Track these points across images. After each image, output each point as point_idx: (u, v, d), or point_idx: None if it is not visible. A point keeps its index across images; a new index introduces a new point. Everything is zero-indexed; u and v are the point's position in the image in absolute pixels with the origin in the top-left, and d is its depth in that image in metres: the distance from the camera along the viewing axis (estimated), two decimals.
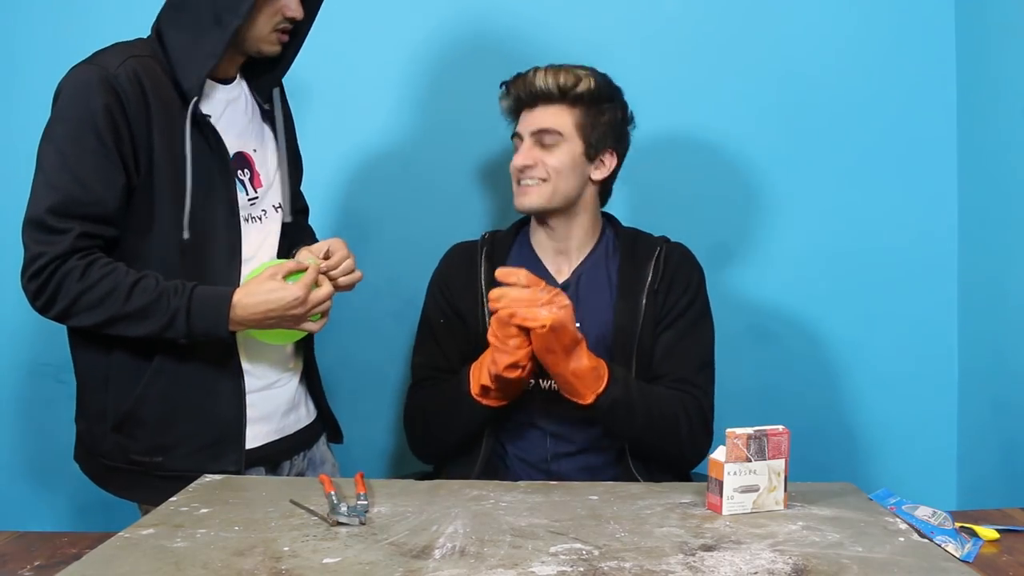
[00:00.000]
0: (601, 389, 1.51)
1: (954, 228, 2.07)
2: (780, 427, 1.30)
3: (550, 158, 1.62)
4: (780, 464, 1.29)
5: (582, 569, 1.08)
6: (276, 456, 1.58)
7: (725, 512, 1.27)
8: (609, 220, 1.74)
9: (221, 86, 1.52)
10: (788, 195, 2.07)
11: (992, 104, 1.94)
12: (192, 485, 1.40)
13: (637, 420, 1.53)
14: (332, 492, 1.29)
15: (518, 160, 1.64)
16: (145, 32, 1.50)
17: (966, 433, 2.07)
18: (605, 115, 1.65)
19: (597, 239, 1.70)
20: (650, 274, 1.65)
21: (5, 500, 2.04)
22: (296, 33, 1.54)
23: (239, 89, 1.56)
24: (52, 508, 2.06)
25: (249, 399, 1.51)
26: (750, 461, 1.28)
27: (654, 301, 1.63)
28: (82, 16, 2.00)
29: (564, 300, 1.48)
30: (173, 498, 1.32)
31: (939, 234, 2.07)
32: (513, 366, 1.48)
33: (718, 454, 1.28)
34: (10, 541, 1.35)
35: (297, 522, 1.23)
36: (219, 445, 1.49)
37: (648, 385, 1.58)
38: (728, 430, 1.27)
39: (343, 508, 1.23)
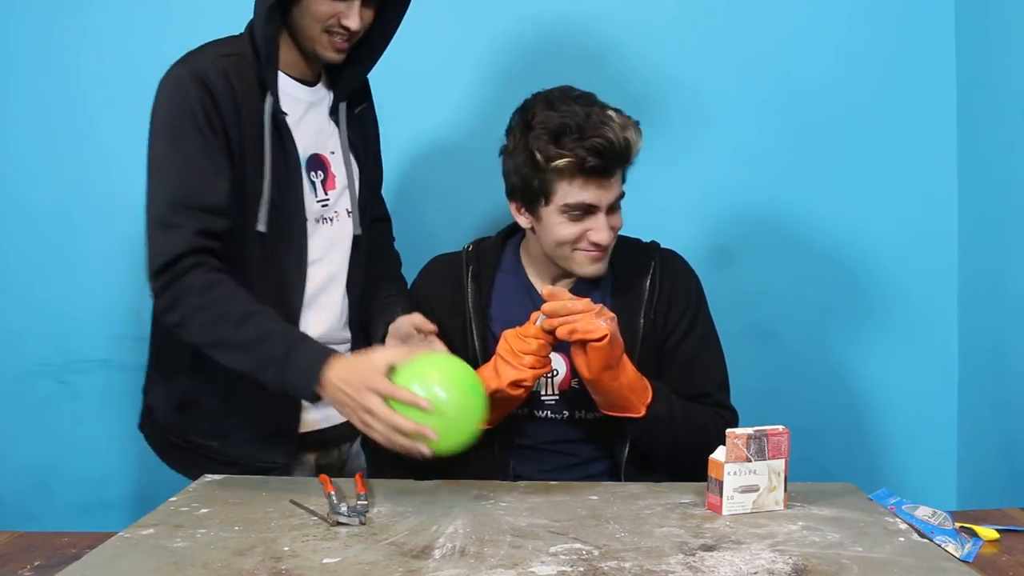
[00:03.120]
0: (650, 400, 1.47)
1: (954, 228, 2.07)
2: (780, 427, 1.30)
3: (617, 220, 1.52)
4: (780, 464, 1.29)
5: (582, 569, 1.08)
6: (326, 443, 1.59)
7: (725, 512, 1.27)
8: None
9: (305, 87, 1.53)
10: (788, 195, 2.07)
11: (992, 104, 1.94)
12: (192, 485, 1.40)
13: (678, 432, 1.49)
14: (332, 492, 1.29)
15: (602, 237, 1.48)
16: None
17: (966, 433, 2.07)
18: None
19: None
20: (646, 292, 1.59)
21: (5, 500, 2.04)
22: (372, 48, 1.53)
23: (323, 91, 1.56)
24: (52, 508, 2.06)
25: None
26: (750, 461, 1.28)
27: (653, 320, 1.58)
28: (78, 16, 2.00)
29: (609, 312, 1.42)
30: (173, 498, 1.32)
31: (939, 234, 2.07)
32: (517, 383, 1.43)
33: (718, 454, 1.28)
34: (10, 541, 1.35)
35: (297, 522, 1.23)
36: (273, 437, 1.51)
37: (680, 399, 1.54)
38: (728, 430, 1.28)
39: (343, 508, 1.23)
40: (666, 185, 2.06)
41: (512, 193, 1.55)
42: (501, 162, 1.55)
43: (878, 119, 2.06)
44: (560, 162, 1.44)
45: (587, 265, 1.54)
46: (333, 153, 1.57)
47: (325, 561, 1.10)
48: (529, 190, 1.50)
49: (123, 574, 1.07)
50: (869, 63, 2.05)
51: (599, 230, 1.49)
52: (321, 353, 1.34)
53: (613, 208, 1.51)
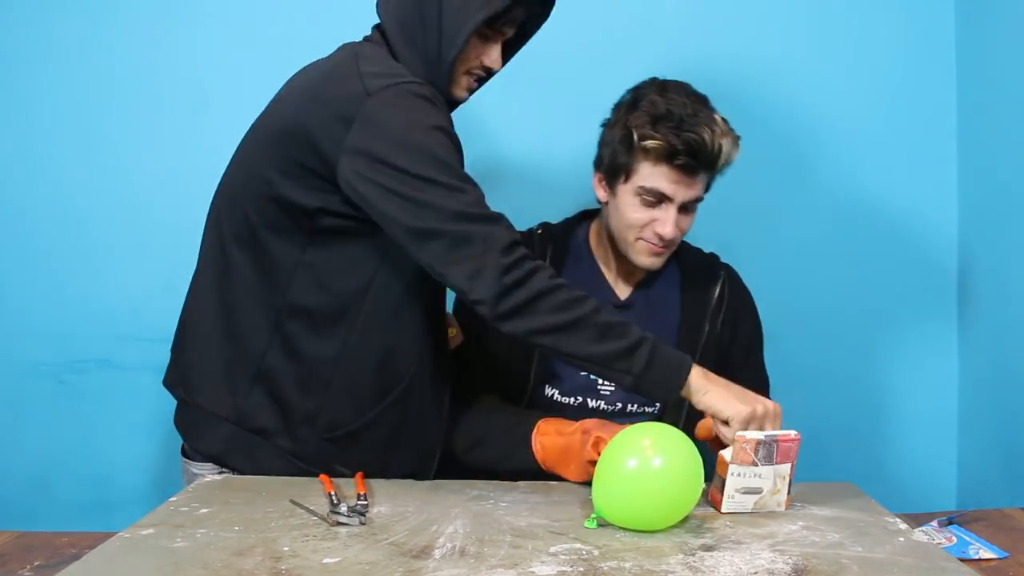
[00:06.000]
0: None
1: (954, 228, 2.07)
2: (792, 433, 1.29)
3: (687, 222, 1.56)
4: (786, 468, 1.29)
5: (582, 569, 1.08)
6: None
7: (724, 510, 1.27)
8: None
9: None
10: (788, 195, 2.07)
11: (992, 104, 1.94)
12: (192, 485, 1.40)
13: None
14: (332, 492, 1.29)
15: (667, 230, 1.51)
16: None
17: (966, 434, 2.07)
18: None
19: None
20: (715, 299, 1.63)
21: (5, 500, 2.04)
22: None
23: None
24: (52, 508, 2.06)
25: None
26: (756, 466, 1.27)
27: (719, 332, 1.62)
28: (78, 15, 2.00)
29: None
30: (173, 498, 1.32)
31: (939, 234, 2.07)
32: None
33: (726, 452, 1.28)
34: (10, 541, 1.35)
35: (297, 522, 1.23)
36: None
37: None
38: (738, 433, 1.27)
39: (343, 508, 1.23)
40: None
41: (599, 163, 1.59)
42: (600, 132, 1.60)
43: (878, 119, 2.06)
44: (650, 143, 1.48)
45: (644, 256, 1.57)
46: None
47: (325, 561, 1.10)
48: (614, 164, 1.54)
49: (123, 574, 1.07)
50: (869, 63, 2.05)
51: (666, 222, 1.52)
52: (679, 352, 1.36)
53: (687, 208, 1.54)
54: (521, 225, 1.70)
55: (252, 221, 1.41)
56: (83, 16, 2.00)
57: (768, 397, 1.66)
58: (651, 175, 1.50)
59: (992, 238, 1.96)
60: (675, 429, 1.26)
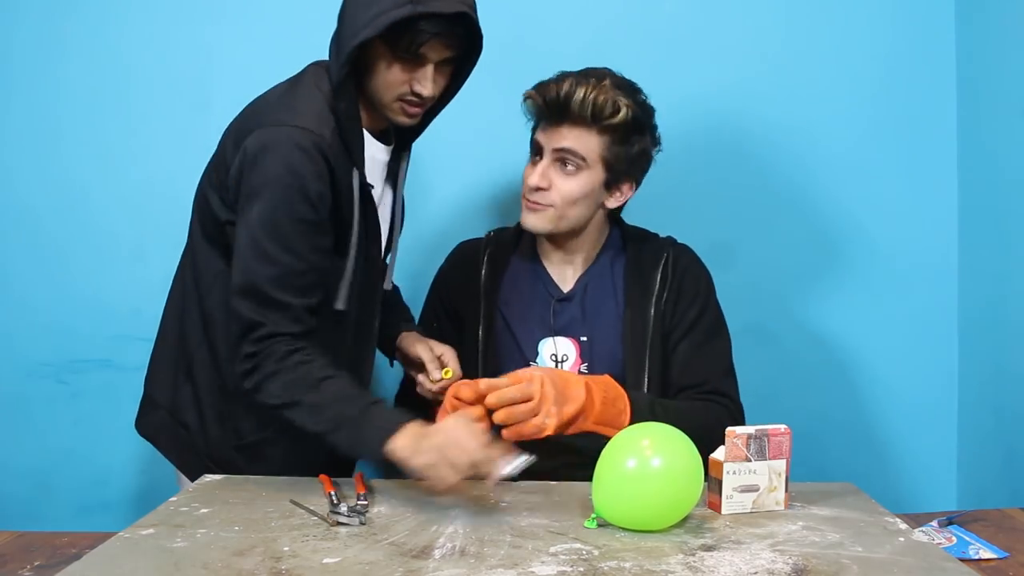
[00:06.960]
0: (627, 421, 1.42)
1: (954, 228, 2.07)
2: (782, 427, 1.30)
3: (565, 184, 1.53)
4: (781, 464, 1.29)
5: (582, 569, 1.08)
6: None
7: (724, 511, 1.27)
8: (615, 220, 1.69)
9: (385, 146, 1.50)
10: (788, 194, 2.07)
11: (992, 104, 1.94)
12: (192, 485, 1.40)
13: None
14: (332, 492, 1.29)
15: (532, 178, 1.54)
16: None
17: (966, 434, 2.07)
18: (635, 147, 1.55)
19: (603, 244, 1.66)
20: (657, 283, 1.61)
21: (5, 500, 2.04)
22: (434, 105, 1.48)
23: (389, 150, 1.54)
24: (52, 508, 2.06)
25: None
26: (750, 461, 1.28)
27: (662, 311, 1.60)
28: (77, 16, 2.00)
29: (548, 388, 1.35)
30: (173, 498, 1.32)
31: (939, 234, 2.07)
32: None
33: (718, 453, 1.29)
34: (10, 541, 1.35)
35: (297, 522, 1.23)
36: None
37: (673, 402, 1.53)
38: (728, 429, 1.28)
39: (343, 508, 1.23)
40: (665, 184, 2.04)
41: None
42: None
43: (878, 119, 2.06)
44: (526, 99, 1.57)
45: (525, 214, 1.59)
46: (380, 211, 1.52)
47: (325, 561, 1.10)
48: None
49: (123, 574, 1.07)
50: (869, 63, 2.05)
51: (533, 173, 1.55)
52: (393, 418, 1.32)
53: (565, 164, 1.54)
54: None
55: (193, 228, 1.50)
56: (91, 15, 2.00)
57: (734, 390, 1.62)
58: (537, 132, 1.57)
59: (992, 238, 1.95)
60: (675, 429, 1.26)
